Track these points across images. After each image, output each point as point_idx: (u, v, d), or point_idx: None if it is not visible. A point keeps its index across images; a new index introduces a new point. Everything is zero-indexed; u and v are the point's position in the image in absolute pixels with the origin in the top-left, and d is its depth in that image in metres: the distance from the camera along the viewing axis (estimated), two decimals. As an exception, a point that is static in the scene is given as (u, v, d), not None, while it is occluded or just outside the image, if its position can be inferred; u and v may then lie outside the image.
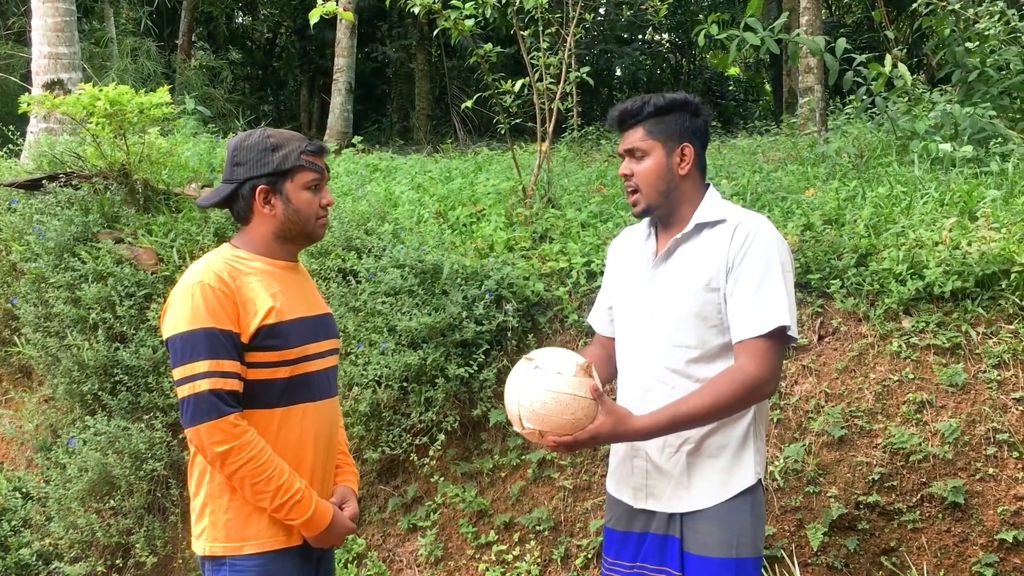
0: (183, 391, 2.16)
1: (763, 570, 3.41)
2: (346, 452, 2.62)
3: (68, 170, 5.34)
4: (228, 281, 2.22)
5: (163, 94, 4.96)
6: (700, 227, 2.36)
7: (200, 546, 2.28)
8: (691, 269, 2.33)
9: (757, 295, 2.22)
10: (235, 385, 2.18)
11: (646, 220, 2.50)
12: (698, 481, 2.31)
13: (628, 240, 2.60)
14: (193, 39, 14.66)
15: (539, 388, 2.16)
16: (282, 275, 2.35)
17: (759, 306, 2.21)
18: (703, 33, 5.56)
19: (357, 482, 2.60)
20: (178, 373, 2.17)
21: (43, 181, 5.16)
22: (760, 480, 2.34)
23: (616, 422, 2.18)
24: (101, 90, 4.79)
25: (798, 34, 5.67)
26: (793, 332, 2.24)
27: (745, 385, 2.18)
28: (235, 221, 2.40)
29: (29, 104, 5.43)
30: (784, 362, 3.69)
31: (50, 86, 7.14)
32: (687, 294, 2.31)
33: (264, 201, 2.31)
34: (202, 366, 2.14)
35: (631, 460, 2.41)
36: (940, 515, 3.35)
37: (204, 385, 2.14)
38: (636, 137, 2.39)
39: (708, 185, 2.45)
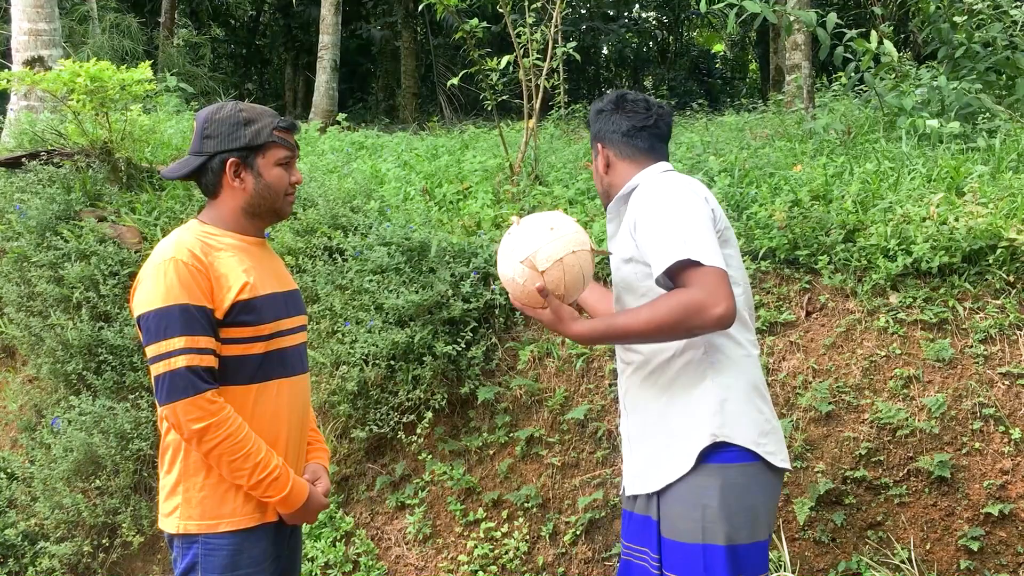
0: (158, 368, 2.13)
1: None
2: (316, 429, 2.60)
3: (49, 148, 5.27)
4: (201, 257, 2.19)
5: (144, 70, 4.89)
6: (618, 202, 2.42)
7: (171, 524, 2.25)
8: (615, 247, 2.39)
9: (655, 239, 2.16)
10: (211, 361, 2.16)
11: None
12: (653, 454, 2.29)
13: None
14: (176, 16, 14.48)
15: (562, 247, 2.16)
16: (252, 251, 2.33)
17: (660, 246, 2.14)
18: (702, 2, 5.51)
19: (328, 458, 2.59)
20: (152, 350, 2.14)
21: (24, 159, 5.10)
22: (737, 450, 2.20)
23: (555, 320, 2.20)
24: (81, 66, 4.72)
25: (790, 8, 5.63)
26: (700, 257, 2.08)
27: (682, 302, 2.05)
28: (203, 195, 2.36)
29: (9, 81, 5.35)
30: (771, 338, 3.70)
31: (30, 63, 7.04)
32: (617, 274, 2.36)
33: (234, 175, 2.28)
34: (178, 343, 2.11)
35: (623, 448, 2.45)
36: (926, 489, 3.37)
37: (180, 362, 2.11)
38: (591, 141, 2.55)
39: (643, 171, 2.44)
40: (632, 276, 2.30)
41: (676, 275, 2.11)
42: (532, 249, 2.17)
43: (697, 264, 2.07)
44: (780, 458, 2.28)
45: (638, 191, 2.32)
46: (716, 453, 2.20)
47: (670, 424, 2.26)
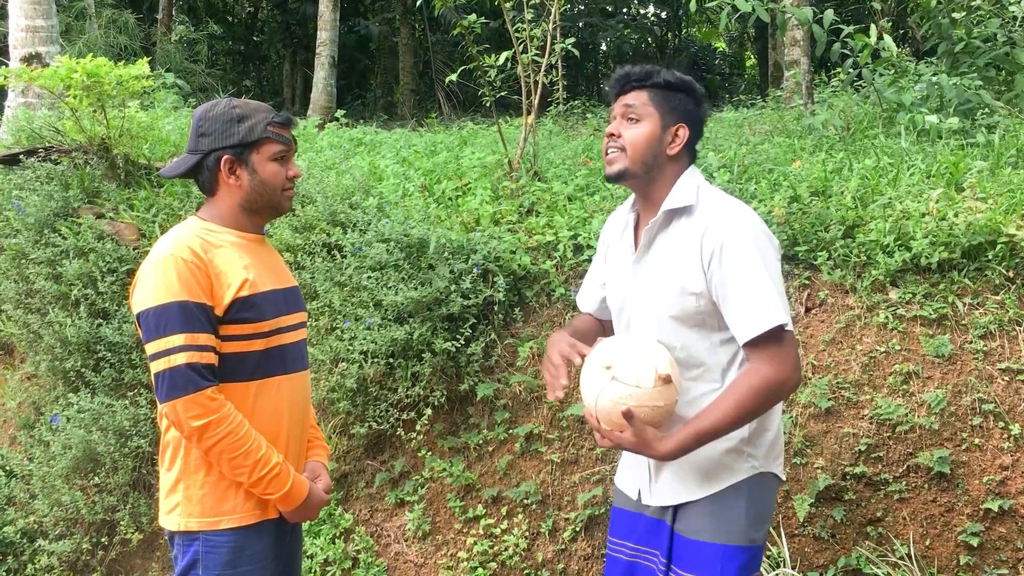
0: (158, 366, 2.12)
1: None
2: (315, 427, 2.60)
3: (47, 145, 5.26)
4: (200, 254, 2.19)
5: (142, 66, 4.88)
6: (670, 215, 2.27)
7: (172, 521, 2.25)
8: (667, 269, 2.24)
9: (746, 298, 2.12)
10: (211, 359, 2.16)
11: (629, 203, 2.43)
12: (690, 473, 2.26)
13: (614, 224, 2.52)
14: (173, 13, 14.45)
15: (617, 400, 2.10)
16: (251, 247, 2.33)
17: (751, 309, 2.11)
18: (693, 1, 5.51)
19: (327, 456, 2.59)
20: (152, 348, 2.14)
21: (21, 156, 5.08)
22: (762, 472, 2.27)
23: (642, 444, 2.12)
24: (78, 62, 4.70)
25: (786, 5, 5.63)
26: (789, 324, 2.13)
27: (763, 387, 2.10)
28: (201, 192, 2.36)
29: (6, 78, 5.33)
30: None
31: (28, 60, 7.02)
32: (665, 297, 2.24)
33: (229, 172, 2.28)
34: (178, 340, 2.11)
35: (636, 457, 2.37)
36: (926, 485, 3.37)
37: (180, 359, 2.11)
38: (637, 99, 2.29)
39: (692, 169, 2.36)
40: (689, 308, 2.21)
41: (759, 341, 2.12)
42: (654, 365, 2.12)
43: (781, 332, 2.12)
44: (783, 470, 2.39)
45: (711, 219, 2.19)
46: None
47: (716, 444, 2.23)
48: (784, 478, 2.37)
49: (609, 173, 2.31)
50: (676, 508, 2.29)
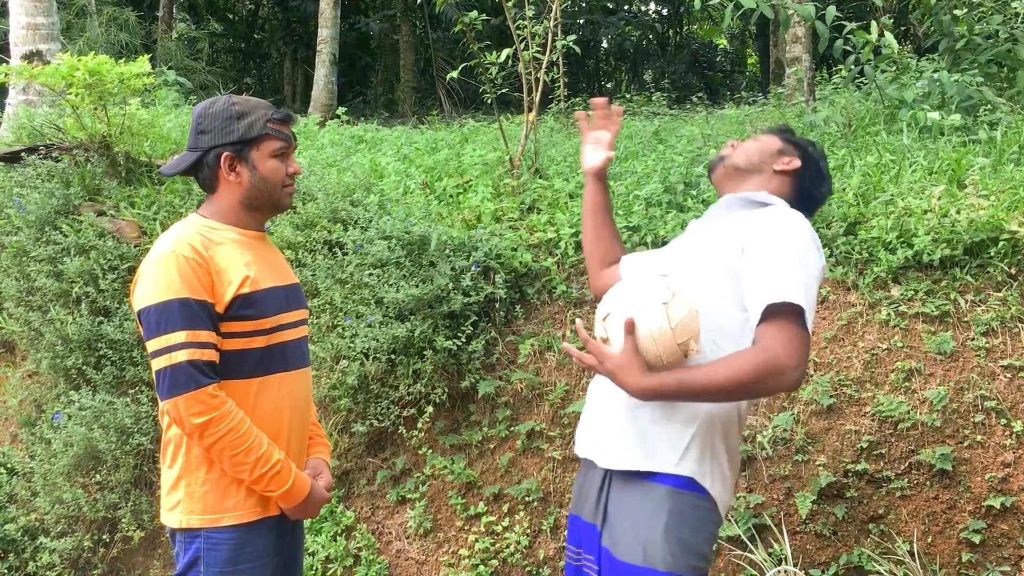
0: (159, 363, 2.12)
1: (752, 540, 3.43)
2: (317, 424, 2.60)
3: (48, 142, 5.26)
4: (201, 251, 2.18)
5: (143, 64, 4.88)
6: (744, 201, 2.31)
7: (174, 519, 2.25)
8: (711, 240, 2.23)
9: (768, 272, 2.06)
10: (212, 356, 2.15)
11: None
12: (628, 433, 2.18)
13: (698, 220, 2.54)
14: (174, 11, 14.45)
15: (661, 322, 2.03)
16: (252, 244, 2.33)
17: (770, 281, 2.05)
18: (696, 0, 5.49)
19: (329, 453, 2.59)
20: (153, 345, 2.13)
21: (23, 153, 5.08)
22: (695, 485, 2.14)
23: (624, 363, 2.04)
24: (80, 60, 4.70)
25: (788, 1, 5.61)
26: (808, 317, 2.04)
27: (764, 364, 1.97)
28: (202, 190, 2.36)
29: (7, 75, 5.33)
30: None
31: (28, 57, 7.02)
32: (697, 259, 2.22)
33: (229, 169, 2.27)
34: (179, 337, 2.11)
35: (598, 410, 2.31)
36: (928, 482, 3.36)
37: (181, 356, 2.10)
38: (768, 135, 2.46)
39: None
40: (712, 279, 2.17)
41: (771, 314, 2.03)
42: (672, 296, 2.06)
43: (798, 316, 2.02)
44: (724, 506, 2.22)
45: (773, 211, 2.21)
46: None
47: (676, 415, 2.16)
48: (722, 512, 2.20)
49: (710, 164, 2.45)
50: (606, 512, 2.20)
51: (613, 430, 2.22)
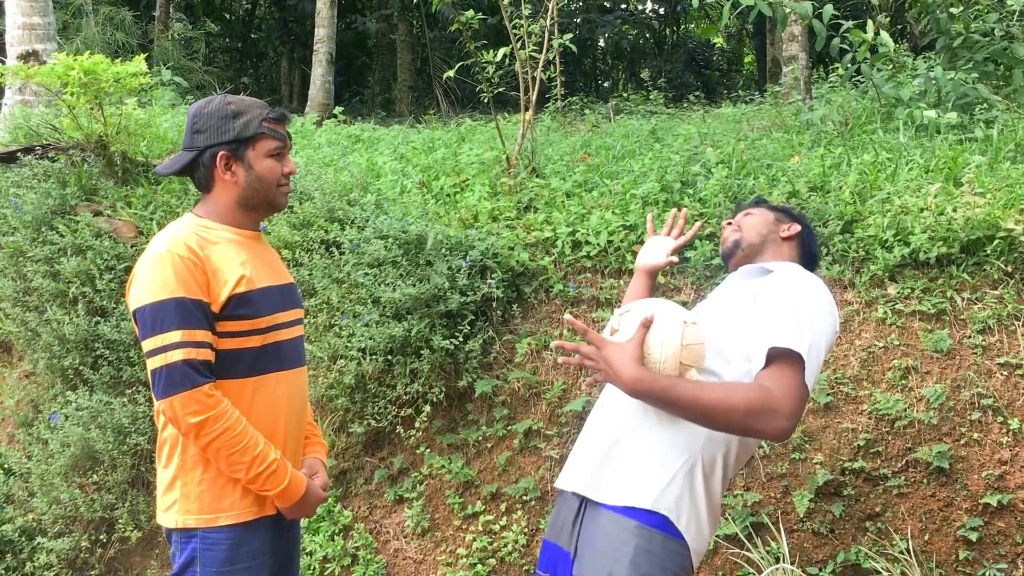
0: (155, 362, 2.12)
1: (750, 538, 3.43)
2: (313, 423, 2.60)
3: (44, 142, 5.25)
4: (196, 250, 2.18)
5: (139, 64, 4.87)
6: (759, 271, 2.37)
7: (170, 519, 2.25)
8: (725, 298, 2.31)
9: (771, 320, 2.07)
10: (208, 355, 2.15)
11: None
12: (612, 464, 2.16)
13: None
14: (170, 10, 14.42)
15: (696, 341, 2.09)
16: (248, 244, 2.32)
17: (772, 328, 2.05)
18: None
19: (325, 453, 2.59)
20: (148, 344, 2.13)
21: (19, 153, 5.07)
22: (668, 526, 2.09)
23: (625, 350, 2.03)
24: (75, 59, 4.69)
25: (785, 0, 5.62)
26: (809, 375, 2.01)
27: (757, 401, 1.95)
28: (197, 189, 2.36)
29: (3, 76, 5.32)
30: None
31: (25, 57, 7.01)
32: (711, 320, 2.24)
33: (225, 168, 2.27)
34: (174, 336, 2.11)
35: (591, 443, 2.30)
36: (925, 480, 3.37)
37: (177, 355, 2.10)
38: (756, 208, 2.57)
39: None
40: (724, 333, 2.18)
41: (772, 362, 2.02)
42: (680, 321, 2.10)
43: (798, 367, 2.00)
44: (698, 555, 2.18)
45: (789, 267, 2.31)
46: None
47: (638, 443, 2.16)
48: (694, 562, 2.14)
49: (724, 248, 2.53)
50: (578, 541, 2.17)
51: (595, 460, 2.21)
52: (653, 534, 2.10)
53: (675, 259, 2.69)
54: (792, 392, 1.98)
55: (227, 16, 19.25)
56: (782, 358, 2.01)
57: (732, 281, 2.42)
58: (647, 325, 2.05)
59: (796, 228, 2.48)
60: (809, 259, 2.51)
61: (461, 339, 3.98)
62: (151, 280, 2.15)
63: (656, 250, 2.73)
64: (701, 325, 2.15)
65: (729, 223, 2.55)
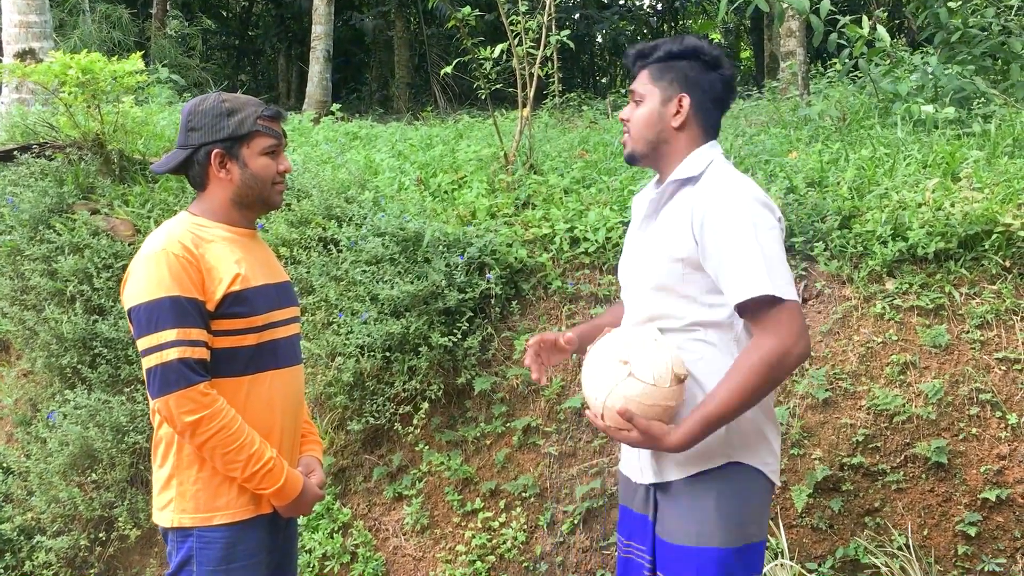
0: (150, 361, 2.12)
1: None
2: (309, 421, 2.59)
3: (41, 141, 5.24)
4: (191, 248, 2.18)
5: (136, 62, 4.86)
6: (677, 185, 2.23)
7: (166, 518, 2.24)
8: (660, 238, 2.21)
9: (732, 266, 2.05)
10: (203, 354, 2.15)
11: (655, 179, 2.38)
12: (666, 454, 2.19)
13: (640, 202, 2.44)
14: (167, 8, 14.40)
15: (631, 397, 2.05)
16: (243, 242, 2.32)
17: (737, 276, 2.04)
18: None
19: (322, 451, 2.58)
20: (144, 343, 2.13)
21: (15, 152, 5.06)
22: (740, 464, 2.15)
23: (650, 439, 2.06)
24: (72, 58, 4.69)
25: (781, -4, 5.61)
26: (782, 293, 2.01)
27: (763, 362, 1.99)
28: (192, 187, 2.35)
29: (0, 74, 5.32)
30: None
31: (21, 56, 6.99)
32: (653, 266, 2.20)
33: (220, 166, 2.27)
34: (169, 335, 2.10)
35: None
36: (924, 475, 3.37)
37: (172, 354, 2.10)
38: (639, 81, 2.27)
39: (712, 143, 2.28)
40: (676, 276, 2.15)
41: (751, 309, 2.04)
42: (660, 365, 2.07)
43: (777, 300, 2.01)
44: (775, 472, 2.24)
45: (708, 188, 2.15)
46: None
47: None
48: (775, 480, 2.21)
49: (625, 158, 2.34)
50: (656, 504, 2.22)
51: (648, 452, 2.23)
52: (727, 476, 2.14)
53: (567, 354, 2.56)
54: (783, 325, 2.01)
55: (224, 13, 19.21)
56: (757, 304, 2.03)
57: (653, 209, 2.28)
58: (629, 416, 2.05)
59: (685, 101, 2.21)
60: (717, 106, 2.28)
61: (459, 336, 3.97)
62: (146, 279, 2.14)
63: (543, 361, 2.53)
64: (631, 342, 2.13)
65: (623, 120, 2.32)
